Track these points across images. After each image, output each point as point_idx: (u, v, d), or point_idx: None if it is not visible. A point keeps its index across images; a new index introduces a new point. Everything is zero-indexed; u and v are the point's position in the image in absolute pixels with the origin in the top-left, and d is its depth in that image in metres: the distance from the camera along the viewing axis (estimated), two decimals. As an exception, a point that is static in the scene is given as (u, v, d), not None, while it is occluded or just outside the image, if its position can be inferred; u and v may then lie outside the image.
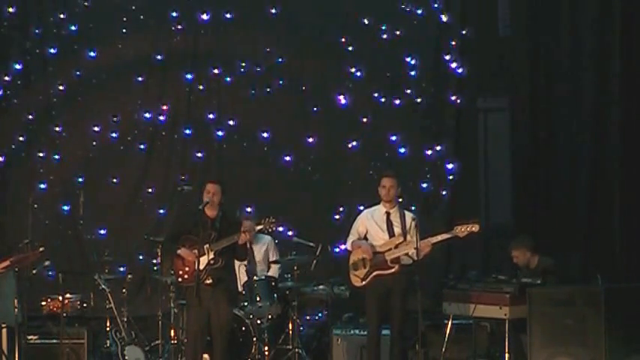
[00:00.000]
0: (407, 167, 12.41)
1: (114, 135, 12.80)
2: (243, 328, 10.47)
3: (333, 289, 11.02)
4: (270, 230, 9.76)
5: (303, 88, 12.84)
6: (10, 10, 12.72)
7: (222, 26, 12.86)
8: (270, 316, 10.55)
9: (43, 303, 11.08)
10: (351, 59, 12.75)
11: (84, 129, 12.80)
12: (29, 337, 10.53)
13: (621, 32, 12.32)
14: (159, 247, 11.07)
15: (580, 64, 12.54)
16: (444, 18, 12.76)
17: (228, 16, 12.81)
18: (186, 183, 12.23)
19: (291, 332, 10.72)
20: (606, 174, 12.41)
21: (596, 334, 9.27)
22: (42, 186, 12.62)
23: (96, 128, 12.76)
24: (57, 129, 12.74)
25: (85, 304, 11.21)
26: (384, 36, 12.77)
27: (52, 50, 12.80)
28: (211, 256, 9.57)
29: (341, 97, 12.76)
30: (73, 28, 12.80)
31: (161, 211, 12.75)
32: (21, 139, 12.74)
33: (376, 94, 12.78)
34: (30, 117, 12.76)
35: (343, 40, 12.73)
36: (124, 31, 12.82)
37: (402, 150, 12.72)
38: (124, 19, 12.81)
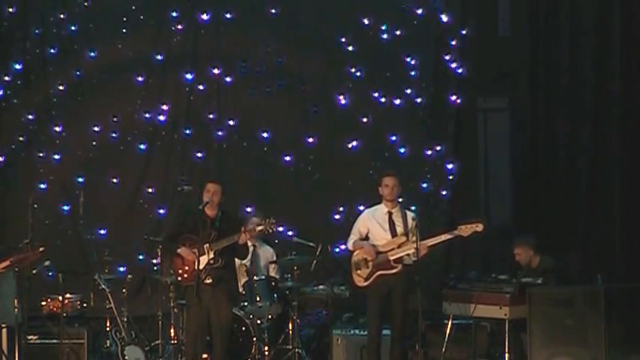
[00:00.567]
0: (407, 167, 12.39)
1: (114, 135, 12.79)
2: (243, 328, 10.47)
3: (333, 289, 11.03)
4: (270, 231, 9.75)
5: (303, 88, 12.84)
6: (10, 10, 12.71)
7: (222, 26, 12.85)
8: (270, 316, 10.56)
9: (43, 303, 11.07)
10: (351, 59, 12.74)
11: (84, 129, 12.79)
12: (29, 337, 10.52)
13: (621, 32, 12.33)
14: (159, 247, 11.08)
15: (580, 64, 12.54)
16: (444, 18, 12.76)
17: (228, 16, 12.80)
18: (187, 183, 12.24)
19: (291, 332, 10.72)
20: (606, 174, 12.41)
21: (596, 334, 9.28)
22: (42, 186, 12.61)
23: (96, 128, 12.75)
24: (57, 129, 12.73)
25: (85, 304, 11.20)
26: (384, 36, 12.77)
27: (52, 50, 12.79)
28: (211, 255, 9.58)
29: (341, 97, 12.75)
30: (73, 28, 12.79)
31: (161, 211, 12.74)
32: (21, 139, 12.73)
33: (376, 94, 12.78)
34: (30, 117, 12.75)
35: (343, 40, 12.73)
36: (124, 31, 12.81)
37: (402, 150, 12.72)
38: (124, 19, 12.80)
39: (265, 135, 12.78)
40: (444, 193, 12.70)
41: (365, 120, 12.74)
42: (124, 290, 11.19)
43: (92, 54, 12.78)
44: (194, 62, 12.94)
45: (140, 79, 12.82)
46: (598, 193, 12.41)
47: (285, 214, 11.51)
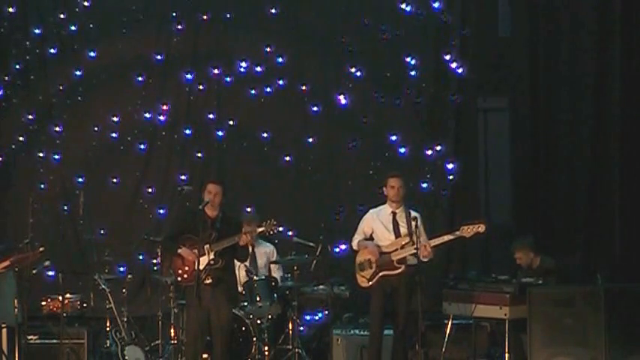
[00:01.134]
0: (407, 167, 12.37)
1: (114, 135, 12.80)
2: (243, 328, 10.47)
3: (333, 289, 11.02)
4: (271, 232, 9.74)
5: (303, 88, 12.83)
6: (10, 10, 12.73)
7: (222, 26, 12.86)
8: (270, 316, 10.56)
9: (43, 303, 11.07)
10: (351, 59, 12.74)
11: (84, 129, 12.80)
12: (29, 337, 10.53)
13: (621, 32, 12.32)
14: (159, 247, 11.08)
15: (580, 64, 12.53)
16: (444, 18, 12.75)
17: (228, 16, 12.81)
18: (186, 183, 12.25)
19: (291, 332, 10.73)
20: (606, 174, 12.40)
21: (596, 334, 9.27)
22: (42, 186, 12.63)
23: (96, 128, 12.77)
24: (57, 129, 12.74)
25: (85, 304, 11.20)
26: (384, 36, 12.77)
27: (52, 50, 12.80)
28: (211, 256, 9.56)
29: (341, 97, 12.75)
30: (73, 28, 12.80)
31: (161, 211, 12.75)
32: (21, 139, 12.75)
33: (376, 94, 12.78)
34: (30, 117, 12.76)
35: (343, 40, 12.73)
36: (124, 31, 12.82)
37: (402, 150, 12.71)
38: (124, 19, 12.81)
39: (265, 135, 12.78)
40: (444, 193, 12.70)
41: (365, 120, 12.74)
42: (124, 290, 11.20)
43: (92, 54, 12.79)
44: (194, 62, 12.94)
45: (140, 79, 12.83)
46: (598, 193, 12.40)
47: (285, 214, 11.50)
